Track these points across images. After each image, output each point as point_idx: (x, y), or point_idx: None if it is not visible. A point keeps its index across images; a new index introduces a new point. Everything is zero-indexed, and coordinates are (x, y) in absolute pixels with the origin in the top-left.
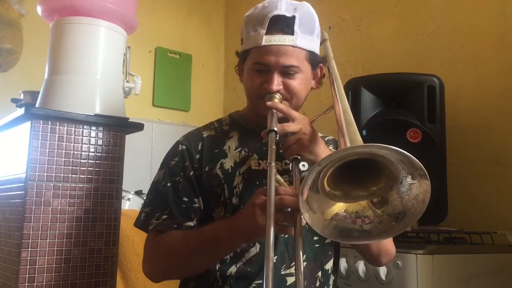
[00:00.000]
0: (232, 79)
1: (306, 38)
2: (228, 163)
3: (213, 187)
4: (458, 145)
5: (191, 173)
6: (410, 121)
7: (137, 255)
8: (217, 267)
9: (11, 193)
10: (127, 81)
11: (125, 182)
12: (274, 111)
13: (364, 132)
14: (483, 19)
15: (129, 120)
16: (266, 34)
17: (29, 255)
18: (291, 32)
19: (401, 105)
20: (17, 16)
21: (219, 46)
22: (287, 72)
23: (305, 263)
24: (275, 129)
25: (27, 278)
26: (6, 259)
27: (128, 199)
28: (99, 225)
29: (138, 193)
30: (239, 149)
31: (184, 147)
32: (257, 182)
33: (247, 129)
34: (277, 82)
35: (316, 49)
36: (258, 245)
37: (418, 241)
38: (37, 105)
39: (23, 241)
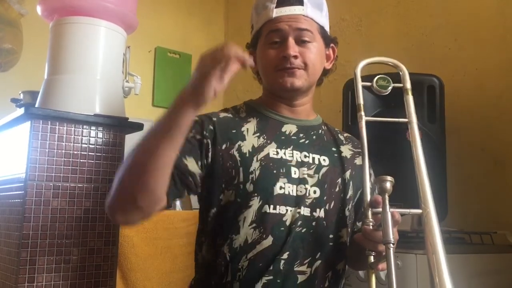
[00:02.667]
0: (231, 79)
1: (316, 12)
2: (246, 147)
3: (228, 168)
4: (458, 145)
5: (199, 137)
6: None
7: (137, 255)
8: (229, 257)
9: (11, 193)
10: (127, 81)
11: None
12: (389, 215)
13: None
14: (483, 19)
15: (128, 120)
16: (276, 7)
17: (28, 255)
18: (301, 3)
19: (400, 105)
20: (17, 16)
21: None
22: (301, 38)
23: (319, 261)
24: (392, 240)
25: (26, 278)
26: (6, 259)
27: None
28: (98, 225)
29: None
30: (258, 134)
31: (196, 118)
32: (275, 171)
33: (265, 116)
34: (293, 48)
35: (327, 27)
36: (271, 238)
37: (418, 241)
38: (36, 105)
39: (23, 241)
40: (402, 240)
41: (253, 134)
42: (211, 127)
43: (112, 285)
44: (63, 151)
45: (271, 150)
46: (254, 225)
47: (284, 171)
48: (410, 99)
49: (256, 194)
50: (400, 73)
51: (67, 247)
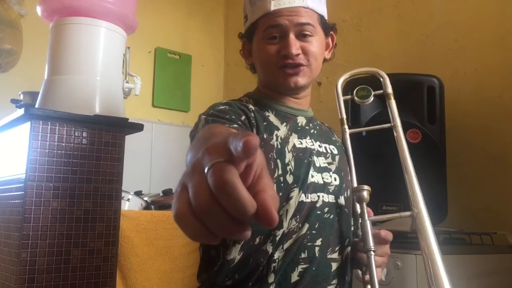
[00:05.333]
0: (232, 79)
1: (315, 1)
2: (279, 137)
3: (269, 160)
4: (458, 146)
5: (246, 122)
6: (409, 122)
7: (137, 255)
8: (270, 253)
9: (11, 193)
10: (127, 82)
11: (124, 182)
12: (368, 223)
13: (363, 133)
14: (483, 19)
15: (128, 121)
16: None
17: (28, 255)
18: None
19: (400, 105)
20: (16, 17)
21: (219, 46)
22: (303, 32)
23: (348, 248)
24: (373, 248)
25: (26, 278)
26: (6, 260)
27: (128, 200)
28: (98, 225)
29: (138, 193)
30: (285, 123)
31: (231, 102)
32: (306, 160)
33: (279, 110)
34: (295, 45)
35: (325, 15)
36: (306, 225)
37: (418, 241)
38: (36, 106)
39: (23, 241)
40: (402, 240)
41: (281, 124)
42: (252, 115)
43: (112, 286)
44: (63, 151)
45: (295, 141)
46: (291, 214)
47: (312, 159)
48: (392, 104)
49: (295, 185)
50: (381, 79)
51: (67, 247)
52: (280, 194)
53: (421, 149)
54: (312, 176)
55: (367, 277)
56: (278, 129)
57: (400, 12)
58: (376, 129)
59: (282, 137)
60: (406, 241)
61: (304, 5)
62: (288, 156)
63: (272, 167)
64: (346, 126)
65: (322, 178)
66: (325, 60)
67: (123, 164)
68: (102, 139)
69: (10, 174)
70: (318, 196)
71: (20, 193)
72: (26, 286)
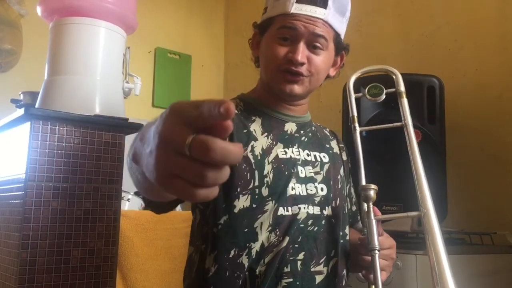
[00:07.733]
0: (232, 79)
1: (337, 18)
2: (257, 148)
3: (243, 171)
4: (458, 146)
5: None
6: None
7: (137, 255)
8: (247, 267)
9: (11, 193)
10: (127, 82)
11: (124, 182)
12: (374, 223)
13: (364, 133)
14: (483, 19)
15: (128, 121)
16: (297, 2)
17: (28, 255)
18: (324, 6)
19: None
20: (16, 17)
21: (219, 46)
22: (314, 43)
23: (335, 259)
24: (377, 247)
25: (26, 278)
26: (6, 260)
27: (128, 200)
28: (98, 225)
29: (138, 193)
30: (266, 134)
31: None
32: (286, 172)
33: (267, 115)
34: (302, 54)
35: (343, 34)
36: (287, 238)
37: (418, 241)
38: (36, 106)
39: (22, 241)
40: (402, 240)
41: (262, 135)
42: None
43: (112, 286)
44: (63, 151)
45: (279, 151)
46: (269, 228)
47: (294, 170)
48: (405, 102)
49: (270, 198)
50: (393, 77)
51: (67, 247)
52: (254, 206)
53: (421, 149)
54: (293, 189)
55: (371, 276)
56: (256, 139)
57: (400, 12)
58: (387, 128)
59: (264, 147)
60: (406, 241)
61: (324, 18)
62: (267, 168)
63: (248, 178)
64: (356, 124)
65: (306, 189)
66: (328, 76)
67: (123, 164)
68: (102, 139)
69: (10, 174)
70: (299, 208)
71: (20, 193)
72: (26, 286)
